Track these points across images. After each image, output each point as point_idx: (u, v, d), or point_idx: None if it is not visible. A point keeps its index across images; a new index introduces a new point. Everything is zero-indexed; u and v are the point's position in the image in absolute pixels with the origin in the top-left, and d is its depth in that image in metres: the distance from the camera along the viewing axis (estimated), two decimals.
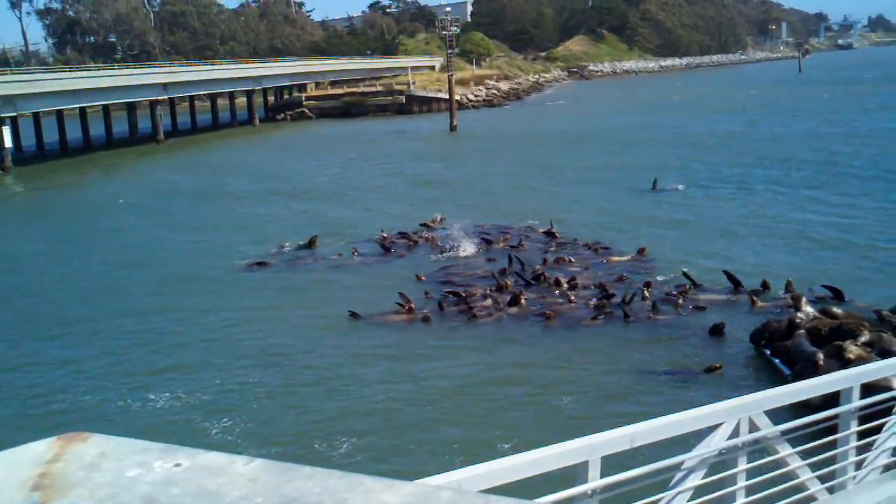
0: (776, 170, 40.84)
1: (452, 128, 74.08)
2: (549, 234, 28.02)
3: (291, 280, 24.84)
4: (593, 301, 20.06)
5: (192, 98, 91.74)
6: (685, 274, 21.55)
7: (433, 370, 16.69)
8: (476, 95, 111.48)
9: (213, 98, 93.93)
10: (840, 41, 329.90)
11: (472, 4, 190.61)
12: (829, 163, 42.23)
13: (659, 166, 42.82)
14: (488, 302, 20.69)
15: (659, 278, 22.21)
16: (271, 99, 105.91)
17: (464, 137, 69.35)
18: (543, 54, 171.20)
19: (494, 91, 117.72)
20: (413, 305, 20.49)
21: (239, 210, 38.27)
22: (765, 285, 20.28)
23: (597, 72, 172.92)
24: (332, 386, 16.10)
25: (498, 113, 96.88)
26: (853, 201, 31.56)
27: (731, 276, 20.97)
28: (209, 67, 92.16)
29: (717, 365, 15.20)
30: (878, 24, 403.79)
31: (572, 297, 20.31)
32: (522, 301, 20.51)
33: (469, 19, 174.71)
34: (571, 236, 27.83)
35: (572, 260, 24.56)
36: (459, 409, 14.58)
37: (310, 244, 28.86)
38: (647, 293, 20.09)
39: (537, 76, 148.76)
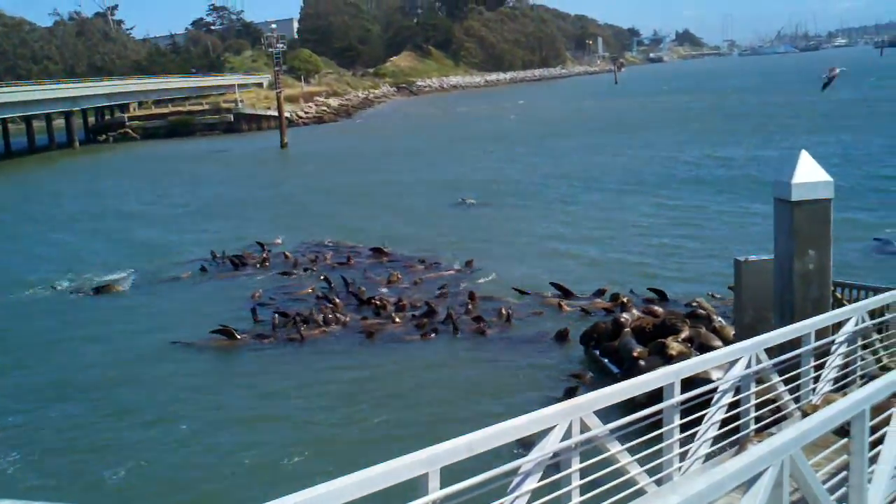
0: (590, 181, 42.49)
1: (283, 145, 73.29)
2: (379, 250, 28.07)
3: (118, 303, 23.91)
4: (417, 319, 19.99)
5: (3, 121, 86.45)
6: (516, 289, 22.03)
7: (259, 393, 16.40)
8: (306, 112, 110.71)
9: (27, 120, 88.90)
10: (651, 55, 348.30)
11: (299, 21, 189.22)
12: (629, 171, 44.44)
13: (485, 179, 43.96)
14: (320, 320, 20.52)
15: (484, 287, 22.60)
16: (92, 120, 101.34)
17: (294, 155, 68.76)
18: (372, 70, 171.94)
19: (324, 108, 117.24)
20: (233, 330, 20.06)
21: (52, 236, 36.49)
22: (601, 291, 21.04)
23: (425, 87, 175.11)
24: (144, 417, 15.54)
25: (328, 129, 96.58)
26: (649, 209, 33.08)
27: (558, 286, 21.64)
28: (18, 88, 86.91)
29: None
30: (685, 38, 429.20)
31: (396, 318, 20.27)
32: (346, 319, 20.51)
33: (296, 36, 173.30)
34: (400, 251, 27.97)
35: (399, 276, 24.64)
36: (286, 433, 14.30)
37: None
38: (471, 306, 20.38)
39: (367, 92, 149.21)
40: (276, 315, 21.05)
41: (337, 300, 21.98)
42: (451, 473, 6.44)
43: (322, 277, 24.97)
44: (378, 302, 21.57)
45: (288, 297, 23.54)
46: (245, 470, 13.08)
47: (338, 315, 20.86)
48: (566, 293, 21.37)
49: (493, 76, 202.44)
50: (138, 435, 14.74)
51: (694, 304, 17.89)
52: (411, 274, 24.94)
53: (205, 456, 13.76)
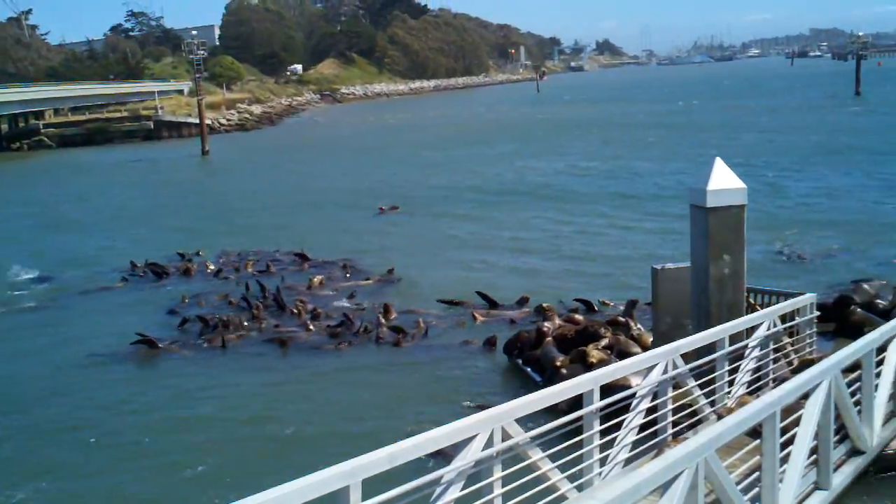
0: (510, 189, 42.90)
1: (204, 153, 72.33)
2: (301, 256, 27.88)
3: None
4: (332, 328, 19.77)
5: None
6: (441, 300, 22.06)
7: (177, 404, 16.10)
8: (228, 120, 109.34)
9: None
10: (573, 64, 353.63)
11: (220, 28, 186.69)
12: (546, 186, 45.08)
13: (403, 184, 44.09)
14: (237, 327, 20.25)
15: (405, 296, 22.59)
16: (5, 127, 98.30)
17: (216, 162, 67.92)
18: (295, 77, 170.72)
19: (247, 115, 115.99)
20: (153, 338, 19.73)
21: None
22: (523, 300, 21.18)
23: (349, 94, 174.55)
24: (59, 429, 15.16)
25: (251, 137, 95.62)
26: (569, 218, 33.51)
27: (483, 296, 21.75)
28: None
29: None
30: (605, 47, 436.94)
31: (311, 327, 20.07)
32: (263, 327, 20.33)
33: (217, 43, 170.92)
34: (321, 258, 27.79)
35: (323, 282, 24.48)
36: (201, 446, 14.00)
37: None
38: (387, 317, 20.30)
39: (290, 100, 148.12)
40: (197, 322, 20.72)
41: (260, 307, 21.73)
42: (372, 485, 6.44)
43: (241, 284, 24.62)
44: (295, 310, 21.37)
45: (207, 304, 23.18)
46: (161, 481, 12.82)
47: (254, 323, 20.62)
48: (491, 303, 21.46)
49: (417, 84, 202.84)
50: (52, 448, 14.34)
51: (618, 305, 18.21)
52: (331, 282, 24.74)
53: (119, 466, 13.45)
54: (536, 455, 8.17)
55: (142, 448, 14.16)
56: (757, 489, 8.14)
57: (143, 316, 22.62)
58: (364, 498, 6.29)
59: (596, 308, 19.83)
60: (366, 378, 16.85)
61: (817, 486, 9.32)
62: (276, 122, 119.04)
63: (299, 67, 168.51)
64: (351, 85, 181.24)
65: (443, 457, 7.68)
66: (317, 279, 24.59)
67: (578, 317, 17.67)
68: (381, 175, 51.05)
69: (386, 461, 6.58)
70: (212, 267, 27.64)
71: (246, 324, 20.57)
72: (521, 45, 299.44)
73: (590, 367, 12.83)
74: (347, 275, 25.59)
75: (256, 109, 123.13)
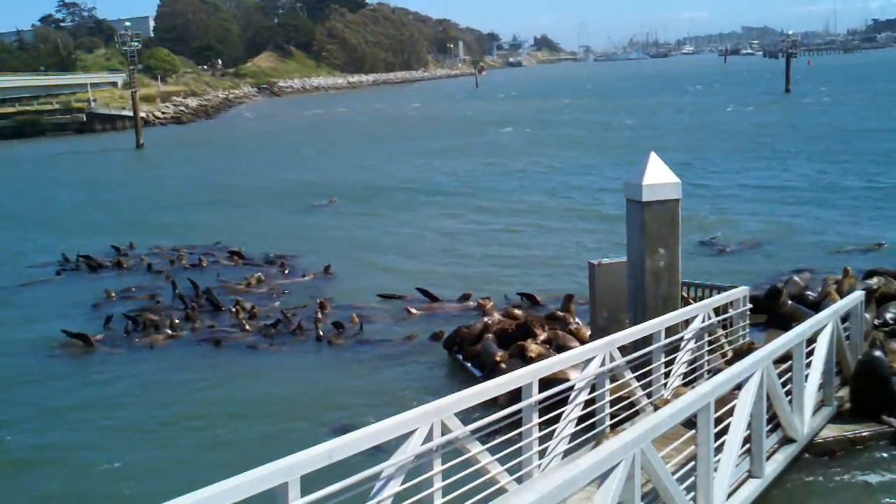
0: (448, 185, 42.99)
1: (139, 146, 71.15)
2: (236, 253, 27.46)
3: None
4: (268, 327, 19.50)
5: None
6: (381, 295, 21.99)
7: (107, 402, 15.79)
8: (163, 113, 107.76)
9: None
10: (511, 59, 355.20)
11: (155, 19, 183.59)
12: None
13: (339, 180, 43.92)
14: (171, 325, 19.90)
15: (343, 293, 22.47)
16: None
17: (150, 156, 66.82)
18: (232, 70, 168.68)
19: (182, 108, 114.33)
20: (86, 334, 19.32)
21: None
22: (464, 296, 21.19)
23: (287, 88, 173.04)
24: None
25: (187, 130, 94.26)
26: (509, 214, 33.62)
27: (424, 291, 21.73)
28: None
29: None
30: (543, 43, 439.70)
31: (247, 326, 19.78)
32: (198, 325, 20.03)
33: (152, 34, 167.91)
34: (257, 255, 27.48)
35: (262, 279, 24.18)
36: (136, 446, 13.72)
37: None
38: (323, 314, 20.14)
39: (227, 93, 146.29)
40: (128, 320, 20.26)
41: (195, 306, 21.39)
42: (311, 482, 6.40)
43: (169, 280, 24.17)
44: (232, 309, 21.02)
45: (140, 300, 22.75)
46: (92, 482, 12.55)
47: (188, 322, 20.28)
48: (432, 298, 21.45)
49: (355, 78, 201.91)
50: None
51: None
52: (268, 279, 24.44)
53: (49, 469, 13.14)
54: (476, 448, 8.20)
55: (71, 448, 13.85)
56: (692, 478, 8.28)
57: (75, 310, 22.19)
58: (303, 494, 6.25)
59: (540, 302, 19.91)
60: (304, 376, 16.71)
61: (750, 475, 9.53)
62: (213, 115, 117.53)
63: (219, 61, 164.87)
64: (289, 78, 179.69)
65: (383, 452, 7.65)
66: (254, 277, 24.27)
67: (517, 312, 17.75)
68: (315, 170, 50.73)
69: (325, 457, 6.55)
70: (146, 261, 27.18)
71: (177, 322, 20.18)
72: (460, 39, 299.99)
73: (529, 361, 12.90)
74: (285, 272, 25.31)
75: (192, 102, 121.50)
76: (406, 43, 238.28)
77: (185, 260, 26.92)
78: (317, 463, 6.48)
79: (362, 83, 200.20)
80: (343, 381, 16.17)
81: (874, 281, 17.53)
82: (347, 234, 30.85)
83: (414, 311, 20.36)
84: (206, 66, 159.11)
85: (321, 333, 18.81)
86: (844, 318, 12.47)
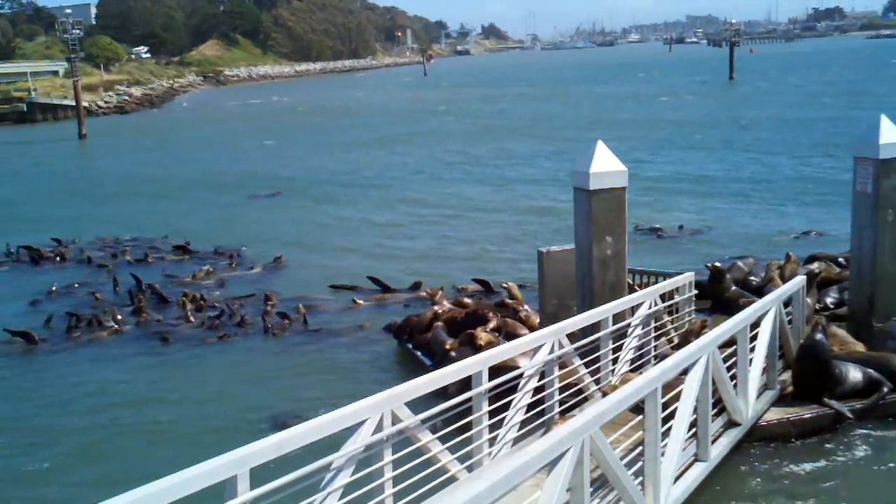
0: (395, 173, 42.95)
1: (81, 136, 69.77)
2: (182, 248, 27.02)
3: None
4: (213, 320, 19.26)
5: None
6: (333, 286, 21.87)
7: (52, 400, 15.47)
8: (106, 102, 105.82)
9: None
10: (459, 47, 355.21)
11: (97, 7, 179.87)
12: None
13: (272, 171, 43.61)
14: (112, 319, 19.57)
15: (293, 284, 22.33)
16: None
17: (93, 146, 65.60)
18: (176, 59, 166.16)
19: (126, 97, 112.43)
20: (30, 332, 18.90)
21: None
22: (415, 285, 21.17)
23: (233, 77, 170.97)
24: None
25: (131, 120, 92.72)
26: (456, 202, 33.70)
27: (375, 280, 21.68)
28: None
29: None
30: (490, 31, 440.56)
31: (192, 319, 19.52)
32: (144, 318, 19.73)
33: (94, 22, 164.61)
34: (204, 247, 27.11)
35: (210, 272, 23.89)
36: (84, 444, 13.42)
37: None
38: (269, 306, 19.97)
39: (172, 81, 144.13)
40: (71, 317, 19.83)
41: (143, 300, 21.03)
42: (261, 474, 6.36)
43: (111, 274, 23.77)
44: (180, 301, 20.70)
45: (82, 296, 22.32)
46: (40, 483, 12.35)
47: (134, 316, 19.96)
48: (383, 287, 21.40)
49: (302, 66, 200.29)
50: None
51: (504, 286, 18.39)
52: (216, 272, 24.14)
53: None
54: (426, 438, 8.22)
55: (16, 451, 13.56)
56: (640, 463, 8.39)
57: (16, 305, 21.74)
58: (252, 487, 6.22)
59: (494, 289, 19.93)
60: (252, 368, 16.55)
61: (697, 458, 9.69)
62: (158, 104, 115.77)
63: (143, 49, 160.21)
64: (235, 67, 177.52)
65: (333, 443, 7.62)
66: (202, 271, 23.95)
67: (467, 300, 17.81)
68: (256, 161, 50.22)
69: (274, 449, 6.52)
70: (86, 253, 26.68)
71: (120, 317, 19.83)
72: (408, 28, 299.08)
73: (478, 349, 12.95)
74: (233, 264, 25.01)
75: (136, 91, 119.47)
76: (354, 31, 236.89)
77: (130, 255, 26.44)
78: (266, 455, 6.45)
79: (309, 72, 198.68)
80: (292, 373, 16.08)
81: (815, 266, 17.92)
82: (294, 225, 30.62)
83: (360, 301, 20.28)
84: (148, 53, 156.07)
85: (269, 325, 18.65)
86: (787, 303, 12.73)
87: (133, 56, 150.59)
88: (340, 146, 55.89)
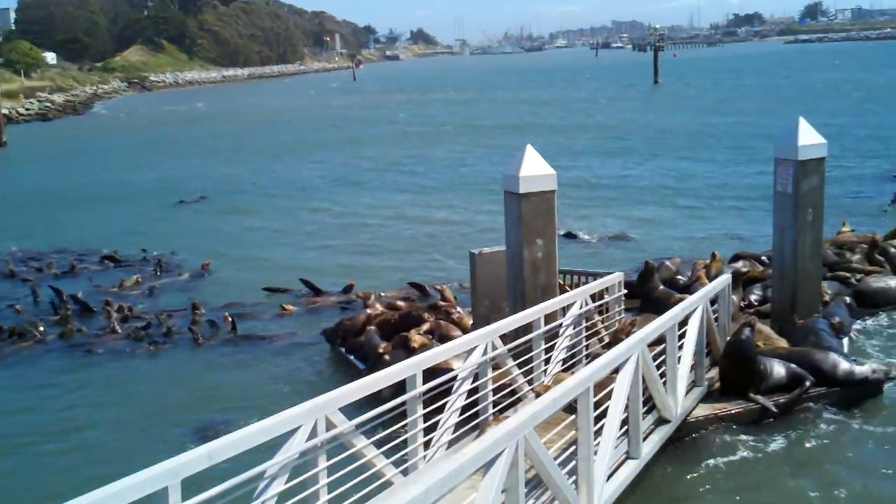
0: (323, 179, 42.75)
1: (1, 144, 67.80)
2: (110, 257, 26.39)
3: None
4: (139, 331, 18.83)
5: None
6: (266, 288, 21.64)
7: None
8: (27, 109, 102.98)
9: None
10: (388, 52, 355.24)
11: (17, 11, 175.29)
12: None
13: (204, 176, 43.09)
14: (34, 331, 19.02)
15: (222, 291, 22.05)
16: None
17: (14, 155, 63.73)
18: (100, 64, 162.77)
19: (48, 104, 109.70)
20: None
21: None
22: (348, 287, 21.06)
23: (159, 82, 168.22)
24: None
25: (54, 127, 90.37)
26: (387, 207, 33.71)
27: (307, 283, 21.52)
28: None
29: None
30: (419, 36, 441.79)
31: (118, 329, 19.08)
32: (70, 328, 19.20)
33: (13, 27, 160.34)
34: (131, 257, 26.54)
35: (140, 280, 23.40)
36: (6, 464, 13.14)
37: None
38: (197, 315, 19.66)
39: (95, 87, 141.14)
40: None
41: (69, 311, 20.47)
42: (192, 485, 6.27)
43: (33, 288, 23.02)
44: (106, 310, 20.21)
45: (2, 308, 21.58)
46: None
47: (58, 328, 19.40)
48: (315, 290, 21.26)
49: (230, 72, 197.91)
50: None
51: (437, 288, 18.43)
52: (144, 280, 23.63)
53: None
54: (361, 443, 8.19)
55: None
56: (574, 462, 8.48)
57: None
58: (184, 498, 6.12)
59: (429, 292, 19.89)
60: (182, 378, 16.22)
61: (629, 456, 9.83)
62: (81, 111, 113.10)
63: (51, 56, 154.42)
64: (161, 72, 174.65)
65: (266, 451, 7.54)
66: (130, 280, 23.44)
67: (400, 303, 17.78)
68: (183, 167, 49.41)
69: (205, 459, 6.43)
70: (12, 267, 25.85)
71: (42, 329, 19.29)
72: (337, 33, 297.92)
73: (412, 352, 12.94)
74: (158, 273, 24.48)
75: (59, 98, 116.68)
76: (282, 36, 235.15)
77: (55, 267, 25.68)
78: (197, 465, 6.35)
79: (237, 77, 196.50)
80: (224, 382, 15.82)
81: (740, 264, 18.37)
82: (219, 233, 30.12)
83: (289, 307, 20.08)
84: (85, 65, 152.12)
85: (198, 335, 18.32)
86: (713, 301, 13.00)
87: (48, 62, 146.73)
88: (263, 153, 55.28)
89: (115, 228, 31.54)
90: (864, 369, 12.67)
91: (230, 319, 18.98)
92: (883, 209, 27.10)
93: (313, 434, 7.53)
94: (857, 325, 15.87)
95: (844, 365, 12.62)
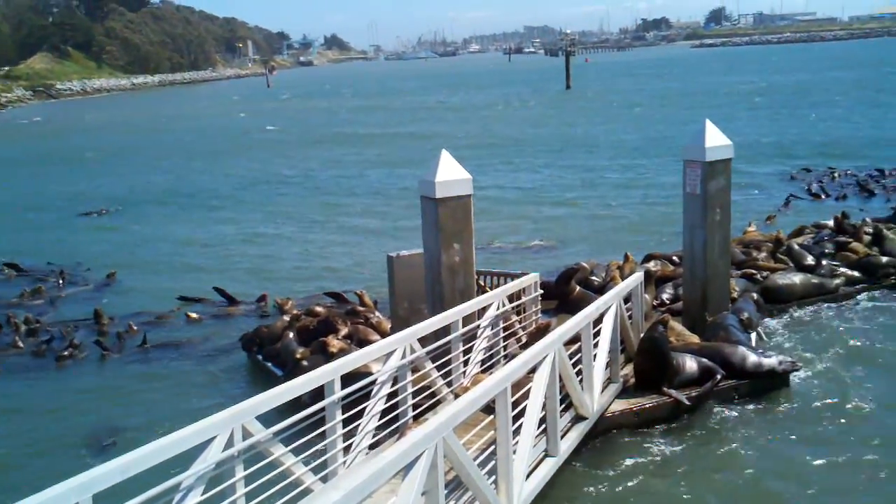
0: (234, 187, 42.26)
1: None
2: (12, 266, 25.48)
3: None
4: (42, 344, 18.21)
5: None
6: (181, 297, 21.22)
7: None
8: None
9: None
10: (302, 58, 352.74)
11: None
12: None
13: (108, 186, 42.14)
14: None
15: (131, 299, 21.55)
16: None
17: None
18: (2, 72, 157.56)
19: None
20: None
21: None
22: (262, 297, 20.79)
23: (66, 91, 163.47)
24: None
25: None
26: (302, 213, 33.50)
27: (221, 292, 21.19)
28: None
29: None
30: (333, 42, 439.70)
31: (20, 343, 18.40)
32: None
33: None
34: (34, 267, 25.69)
35: (43, 290, 22.64)
36: None
37: None
38: (101, 325, 19.16)
39: None
40: None
41: None
42: (105, 500, 6.12)
43: None
44: (12, 322, 19.45)
45: None
46: None
47: None
48: (229, 299, 20.94)
49: (140, 79, 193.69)
50: None
51: (356, 293, 18.36)
52: (47, 291, 22.85)
53: None
54: (279, 451, 8.11)
55: None
56: (493, 462, 8.54)
57: None
58: None
59: (346, 299, 19.75)
60: (91, 391, 15.69)
61: (547, 454, 9.95)
62: None
63: None
64: (67, 80, 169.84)
65: (182, 462, 7.40)
66: (31, 290, 22.68)
67: (319, 308, 17.63)
68: (84, 178, 47.92)
69: (119, 472, 6.28)
70: None
71: None
72: (249, 39, 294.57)
73: (331, 357, 12.86)
74: (61, 283, 23.70)
75: None
76: (193, 42, 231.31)
77: None
78: (111, 479, 6.20)
79: (148, 84, 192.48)
80: (135, 393, 15.40)
81: (652, 264, 18.79)
82: (125, 243, 29.25)
83: (194, 315, 19.71)
84: None
85: (105, 346, 17.81)
86: (627, 299, 13.27)
87: None
88: (171, 162, 54.16)
89: (15, 241, 30.40)
90: (771, 361, 13.09)
91: (135, 329, 18.55)
92: (777, 209, 28.04)
93: (230, 444, 7.43)
94: (765, 320, 16.40)
95: (753, 358, 13.03)
